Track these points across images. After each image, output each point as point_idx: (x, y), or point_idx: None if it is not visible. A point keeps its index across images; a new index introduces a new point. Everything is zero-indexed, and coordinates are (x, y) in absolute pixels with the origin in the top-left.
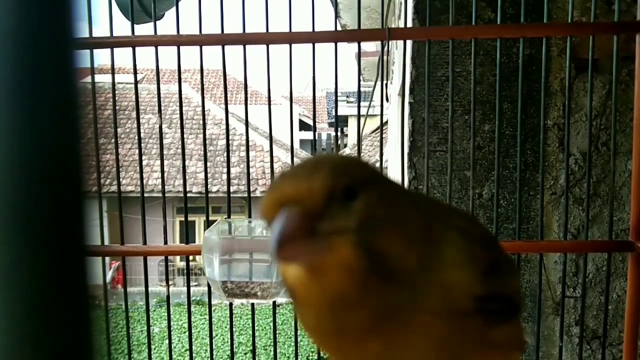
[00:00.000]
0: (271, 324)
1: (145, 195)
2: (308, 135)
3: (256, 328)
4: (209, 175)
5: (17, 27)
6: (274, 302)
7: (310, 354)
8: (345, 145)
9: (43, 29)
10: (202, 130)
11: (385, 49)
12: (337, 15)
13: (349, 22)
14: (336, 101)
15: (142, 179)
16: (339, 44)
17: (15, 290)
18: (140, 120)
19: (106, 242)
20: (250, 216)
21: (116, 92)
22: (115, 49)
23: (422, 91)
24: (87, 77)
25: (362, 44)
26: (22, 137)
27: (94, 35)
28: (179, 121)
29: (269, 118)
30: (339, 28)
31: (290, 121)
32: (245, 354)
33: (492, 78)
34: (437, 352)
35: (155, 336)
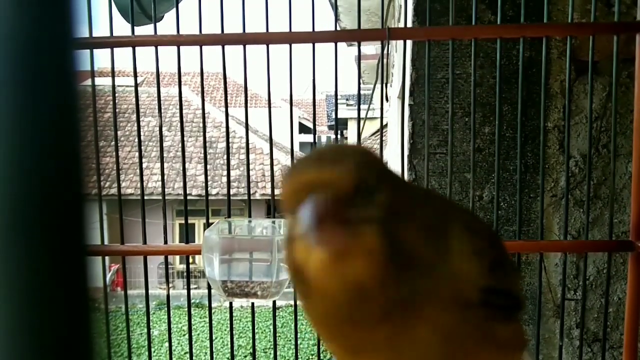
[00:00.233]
0: (271, 327)
1: (145, 198)
2: (308, 138)
3: (256, 331)
4: (208, 178)
5: (17, 29)
6: (274, 305)
7: (310, 357)
8: None
9: (43, 31)
10: (202, 133)
11: (385, 50)
12: (336, 19)
13: (348, 25)
14: (336, 103)
15: (142, 181)
16: (338, 47)
17: (14, 293)
18: (140, 123)
19: (106, 243)
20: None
21: (116, 94)
22: (115, 51)
23: (422, 93)
24: (87, 79)
25: (361, 47)
26: (22, 139)
27: (94, 35)
28: (178, 124)
29: (269, 121)
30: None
31: (291, 124)
32: (245, 356)
33: (492, 80)
34: (442, 344)
35: (154, 339)
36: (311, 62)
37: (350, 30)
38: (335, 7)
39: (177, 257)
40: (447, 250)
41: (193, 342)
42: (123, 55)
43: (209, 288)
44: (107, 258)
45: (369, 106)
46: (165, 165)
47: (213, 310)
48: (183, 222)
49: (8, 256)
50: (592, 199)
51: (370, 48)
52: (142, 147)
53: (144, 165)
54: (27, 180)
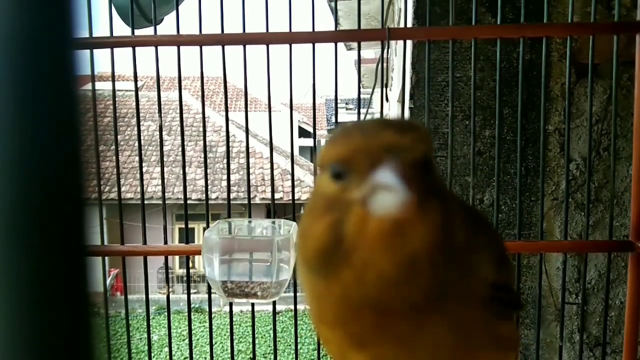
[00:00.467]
0: (271, 332)
1: (145, 202)
2: (307, 142)
3: (256, 336)
4: (208, 182)
5: (17, 29)
6: (274, 310)
7: None
8: None
9: (43, 32)
10: (201, 137)
11: (385, 53)
12: (336, 23)
13: (348, 28)
14: (336, 107)
15: (142, 185)
16: (338, 51)
17: (14, 298)
18: (140, 127)
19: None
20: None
21: (116, 99)
22: (115, 53)
23: (422, 96)
24: (87, 84)
25: (361, 52)
26: (22, 144)
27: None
28: (178, 128)
29: (269, 125)
30: None
31: (291, 128)
32: None
33: (492, 83)
34: (455, 341)
35: (154, 344)
36: (311, 64)
37: (350, 30)
38: (335, 12)
39: (177, 262)
40: (465, 242)
41: (193, 347)
42: (123, 57)
43: (209, 292)
44: (107, 263)
45: (367, 109)
46: (165, 169)
47: (213, 315)
48: (183, 226)
49: (8, 261)
50: (593, 202)
51: (370, 52)
52: (142, 152)
53: (143, 170)
54: (28, 185)
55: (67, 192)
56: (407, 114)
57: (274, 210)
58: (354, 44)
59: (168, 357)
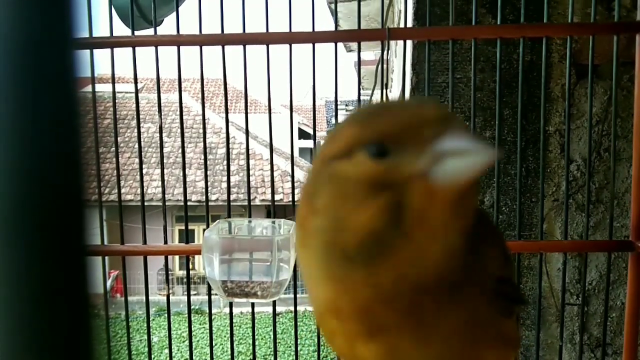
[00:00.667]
0: (271, 333)
1: (145, 203)
2: (307, 143)
3: (256, 337)
4: (208, 183)
5: (17, 29)
6: (274, 311)
7: None
8: None
9: (43, 32)
10: (201, 139)
11: (385, 52)
12: (336, 25)
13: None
14: (336, 108)
15: (142, 187)
16: (338, 52)
17: (14, 298)
18: (140, 129)
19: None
20: None
21: (116, 100)
22: (115, 55)
23: (422, 98)
24: (87, 85)
25: (361, 52)
26: (23, 145)
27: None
28: (178, 130)
29: (269, 126)
30: None
31: (291, 129)
32: None
33: (492, 84)
34: (464, 330)
35: (154, 345)
36: (311, 65)
37: (350, 30)
38: (335, 13)
39: (177, 264)
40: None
41: (193, 349)
42: (123, 58)
43: (209, 294)
44: (107, 264)
45: None
46: (165, 171)
47: (213, 317)
48: (183, 227)
49: (9, 261)
50: (594, 203)
51: (370, 54)
52: (142, 153)
53: (143, 171)
54: (27, 187)
55: (67, 193)
56: None
57: (274, 211)
58: (354, 46)
59: (168, 358)
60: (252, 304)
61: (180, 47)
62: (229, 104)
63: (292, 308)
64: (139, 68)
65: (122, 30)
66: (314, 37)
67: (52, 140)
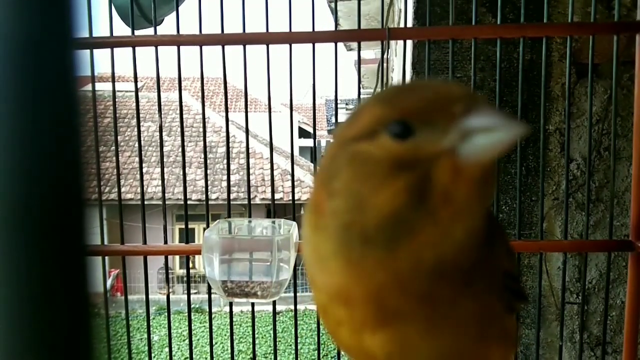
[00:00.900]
0: (271, 332)
1: (145, 202)
2: (307, 142)
3: (256, 336)
4: (208, 182)
5: (17, 29)
6: (274, 310)
7: None
8: None
9: (43, 32)
10: (201, 138)
11: (385, 54)
12: (336, 24)
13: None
14: (336, 107)
15: (142, 186)
16: (338, 51)
17: (14, 298)
18: (140, 128)
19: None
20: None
21: (116, 99)
22: (115, 54)
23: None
24: (87, 84)
25: (361, 52)
26: (23, 144)
27: (93, 35)
28: (178, 129)
29: (269, 125)
30: None
31: (291, 128)
32: None
33: (492, 83)
34: (472, 323)
35: (154, 344)
36: (311, 65)
37: (350, 30)
38: (335, 12)
39: (177, 263)
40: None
41: (193, 348)
42: (123, 58)
43: (209, 293)
44: (107, 263)
45: None
46: (165, 170)
47: (213, 315)
48: (183, 226)
49: (9, 261)
50: (594, 202)
51: (370, 53)
52: (142, 152)
53: (143, 170)
54: (27, 186)
55: (67, 192)
56: None
57: (274, 210)
58: (354, 45)
59: (168, 357)
60: (252, 303)
61: (180, 47)
62: (229, 102)
63: (292, 307)
64: (139, 67)
65: (122, 29)
66: (314, 37)
67: (52, 139)
